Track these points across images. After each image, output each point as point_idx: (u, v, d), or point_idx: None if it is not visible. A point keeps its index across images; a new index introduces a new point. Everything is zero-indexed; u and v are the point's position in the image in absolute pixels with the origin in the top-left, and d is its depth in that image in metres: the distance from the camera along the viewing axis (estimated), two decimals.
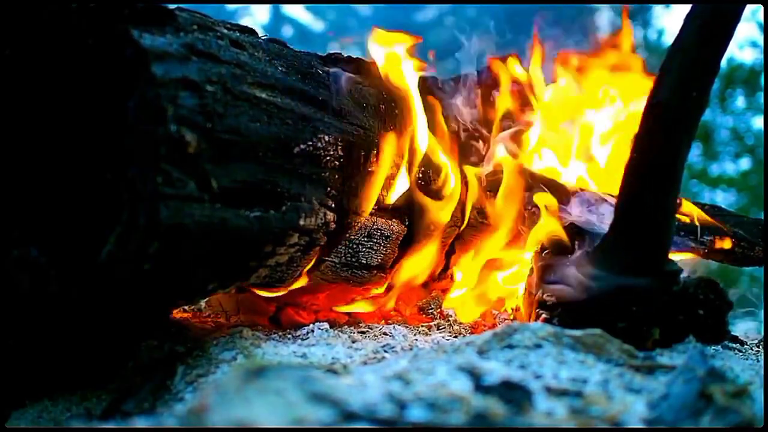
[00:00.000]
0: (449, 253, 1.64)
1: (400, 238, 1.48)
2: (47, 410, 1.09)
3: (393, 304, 1.59)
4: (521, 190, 1.66)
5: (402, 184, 1.46)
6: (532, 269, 1.40)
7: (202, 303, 1.58)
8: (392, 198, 1.43)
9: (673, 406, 0.71)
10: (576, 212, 1.51)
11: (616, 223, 1.15)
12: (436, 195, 1.54)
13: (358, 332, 1.31)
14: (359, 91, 1.38)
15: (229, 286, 1.20)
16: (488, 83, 1.92)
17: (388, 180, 1.42)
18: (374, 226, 1.40)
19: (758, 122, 8.76)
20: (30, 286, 1.02)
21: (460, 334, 1.41)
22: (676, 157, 1.10)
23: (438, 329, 1.43)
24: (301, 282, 1.32)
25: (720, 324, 1.11)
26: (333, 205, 1.24)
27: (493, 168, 1.73)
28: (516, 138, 1.85)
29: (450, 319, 1.55)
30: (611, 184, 1.86)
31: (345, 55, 1.46)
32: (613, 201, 1.36)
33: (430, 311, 1.60)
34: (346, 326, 1.38)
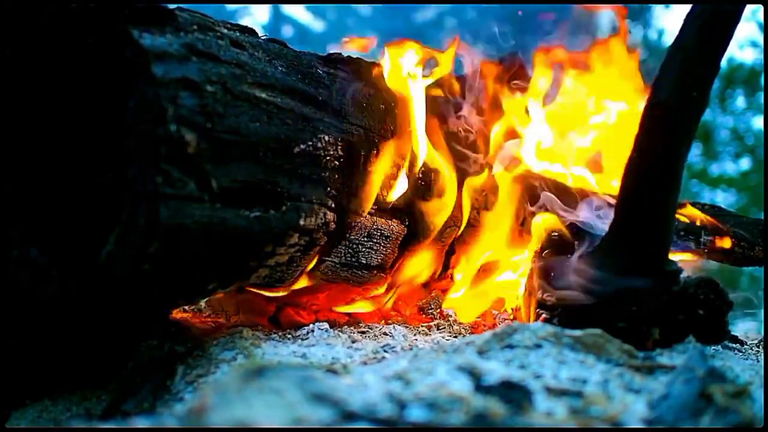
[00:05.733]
0: (449, 253, 1.64)
1: (400, 239, 1.48)
2: (47, 410, 1.09)
3: (392, 304, 1.59)
4: (521, 190, 1.67)
5: (403, 185, 1.46)
6: (532, 269, 1.40)
7: (202, 303, 1.58)
8: (393, 196, 1.43)
9: (673, 406, 0.71)
10: (581, 214, 1.51)
11: (616, 223, 1.15)
12: (436, 195, 1.54)
13: (358, 332, 1.31)
14: (359, 91, 1.38)
15: (230, 286, 1.20)
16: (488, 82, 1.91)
17: (389, 180, 1.42)
18: (374, 226, 1.40)
19: (758, 122, 8.77)
20: (30, 286, 1.02)
21: (460, 334, 1.41)
22: (676, 156, 1.10)
23: (438, 329, 1.43)
24: (302, 282, 1.32)
25: (720, 324, 1.11)
26: (333, 205, 1.24)
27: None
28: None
29: (450, 319, 1.55)
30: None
31: (345, 55, 1.46)
32: (613, 201, 1.36)
33: (430, 311, 1.60)
34: (346, 326, 1.38)
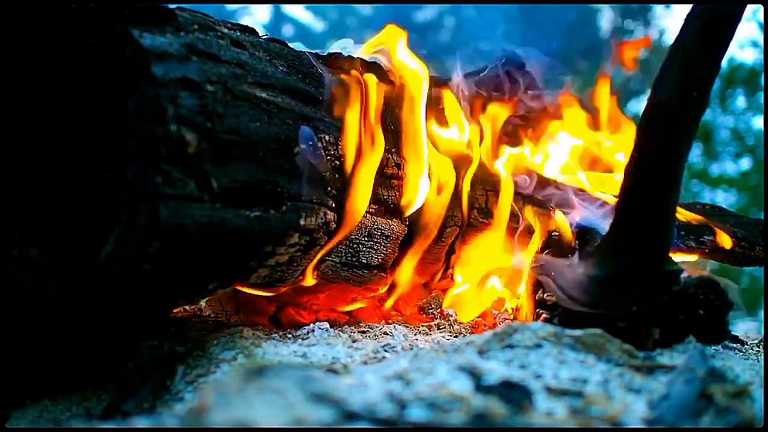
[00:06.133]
0: (449, 253, 1.64)
1: (401, 238, 1.48)
2: (47, 410, 1.09)
3: (392, 304, 1.59)
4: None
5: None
6: (532, 269, 1.40)
7: (202, 303, 1.58)
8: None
9: (673, 406, 0.71)
10: (578, 213, 1.51)
11: (616, 223, 1.15)
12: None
13: (359, 332, 1.31)
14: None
15: (230, 286, 1.20)
16: (488, 83, 1.91)
17: (390, 180, 1.42)
18: (374, 226, 1.40)
19: (758, 122, 8.77)
20: (30, 286, 1.02)
21: (460, 333, 1.41)
22: (676, 156, 1.10)
23: (438, 329, 1.43)
24: (308, 281, 1.32)
25: (720, 324, 1.11)
26: (333, 205, 1.24)
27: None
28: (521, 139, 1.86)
29: (450, 318, 1.55)
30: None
31: (346, 55, 1.46)
32: (614, 201, 1.36)
33: (431, 311, 1.60)
34: (346, 326, 1.38)
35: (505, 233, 1.67)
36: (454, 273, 1.70)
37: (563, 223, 1.46)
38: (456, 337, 1.37)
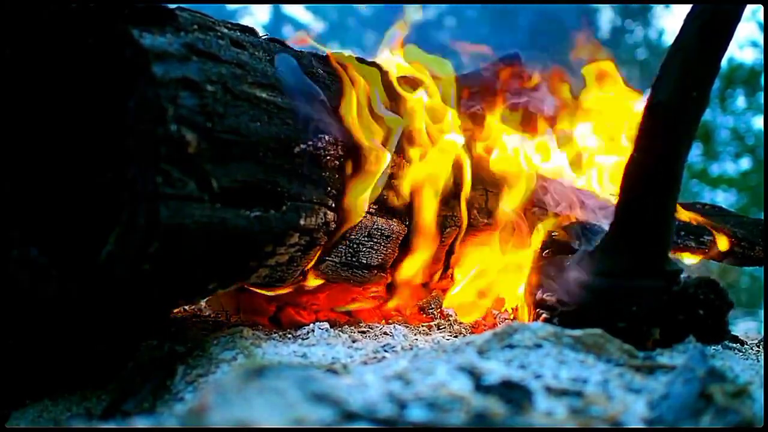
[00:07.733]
0: (449, 253, 1.64)
1: (400, 238, 1.48)
2: (47, 410, 1.09)
3: (393, 304, 1.59)
4: (525, 189, 1.68)
5: (405, 185, 1.46)
6: (532, 269, 1.40)
7: (202, 303, 1.58)
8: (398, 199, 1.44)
9: (673, 406, 0.71)
10: (578, 212, 1.51)
11: (616, 223, 1.15)
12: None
13: (359, 332, 1.31)
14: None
15: (230, 286, 1.20)
16: (487, 83, 1.91)
17: (390, 180, 1.42)
18: (374, 226, 1.40)
19: (758, 122, 8.78)
20: (30, 286, 1.02)
21: (460, 333, 1.41)
22: (676, 157, 1.10)
23: (438, 329, 1.43)
24: (312, 282, 1.32)
25: (720, 324, 1.11)
26: (333, 205, 1.24)
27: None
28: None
29: (450, 318, 1.55)
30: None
31: (346, 55, 1.46)
32: (614, 201, 1.36)
33: (431, 311, 1.60)
34: (346, 326, 1.38)
35: (505, 233, 1.67)
36: (454, 273, 1.70)
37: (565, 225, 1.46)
38: (456, 337, 1.37)
